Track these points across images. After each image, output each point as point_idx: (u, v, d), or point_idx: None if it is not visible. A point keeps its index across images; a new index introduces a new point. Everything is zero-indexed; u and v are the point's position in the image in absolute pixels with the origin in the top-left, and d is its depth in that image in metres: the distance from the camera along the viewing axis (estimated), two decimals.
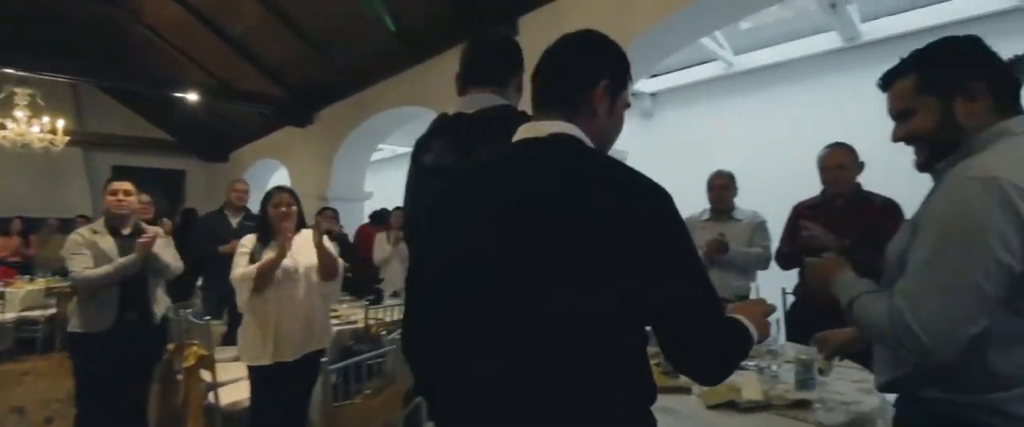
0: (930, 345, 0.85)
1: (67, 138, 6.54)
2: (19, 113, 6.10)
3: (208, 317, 2.68)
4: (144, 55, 7.25)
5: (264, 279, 2.17)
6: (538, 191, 0.78)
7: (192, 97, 6.17)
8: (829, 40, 4.50)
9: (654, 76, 5.74)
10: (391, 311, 3.29)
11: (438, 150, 1.21)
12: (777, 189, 3.21)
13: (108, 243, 2.47)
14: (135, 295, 2.51)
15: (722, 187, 2.91)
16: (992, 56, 0.98)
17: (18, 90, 6.09)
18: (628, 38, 3.41)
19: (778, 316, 2.43)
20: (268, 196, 2.35)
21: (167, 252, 2.66)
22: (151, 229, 2.57)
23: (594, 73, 0.88)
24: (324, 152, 6.60)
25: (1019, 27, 3.71)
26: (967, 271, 0.84)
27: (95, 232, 2.49)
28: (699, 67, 5.36)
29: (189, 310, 2.91)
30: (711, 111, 5.44)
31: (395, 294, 3.91)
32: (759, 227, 2.88)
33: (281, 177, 8.46)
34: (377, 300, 3.76)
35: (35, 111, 6.25)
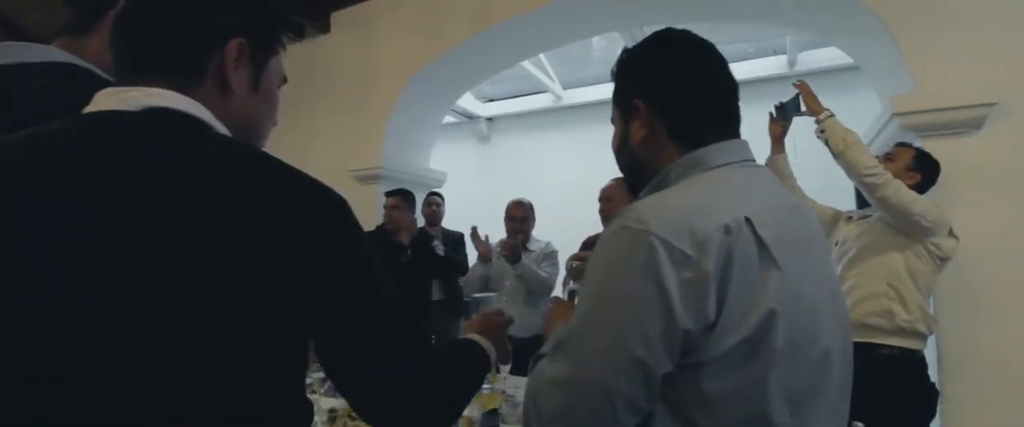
0: None
1: None
2: None
3: None
4: None
5: None
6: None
7: None
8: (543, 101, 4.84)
9: (490, 101, 5.71)
10: None
11: None
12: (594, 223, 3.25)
13: None
14: None
15: (522, 218, 2.90)
16: (646, 65, 0.77)
17: None
18: (435, 54, 3.24)
19: None
20: None
21: None
22: None
23: (223, 29, 0.62)
24: None
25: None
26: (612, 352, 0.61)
27: None
28: (531, 97, 5.43)
29: None
30: (543, 141, 5.53)
31: None
32: (549, 255, 2.92)
33: None
34: None
35: None
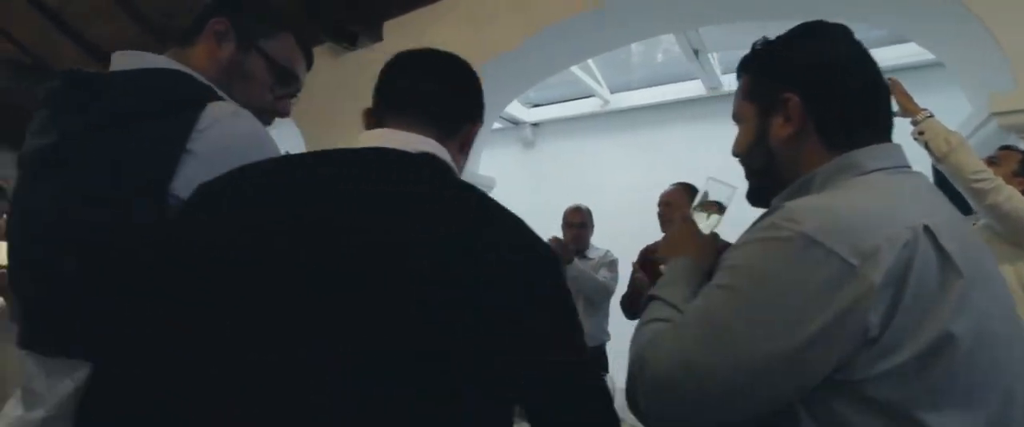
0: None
1: None
2: None
3: None
4: None
5: None
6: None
7: None
8: (694, 88, 4.67)
9: (536, 106, 5.65)
10: None
11: (39, 123, 0.76)
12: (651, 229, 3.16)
13: None
14: None
15: (580, 224, 2.85)
16: (800, 56, 0.70)
17: None
18: (485, 58, 3.21)
19: None
20: None
21: None
22: None
23: (479, 109, 0.80)
24: None
25: None
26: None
27: None
28: (578, 102, 5.35)
29: None
30: (591, 146, 5.44)
31: None
32: (610, 264, 2.84)
33: None
34: None
35: None
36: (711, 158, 4.48)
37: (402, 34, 3.66)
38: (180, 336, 0.54)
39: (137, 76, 0.77)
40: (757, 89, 0.74)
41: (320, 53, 4.31)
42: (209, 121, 0.68)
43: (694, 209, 0.90)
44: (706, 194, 0.91)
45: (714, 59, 4.26)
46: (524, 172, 5.73)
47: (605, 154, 5.30)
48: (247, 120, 0.74)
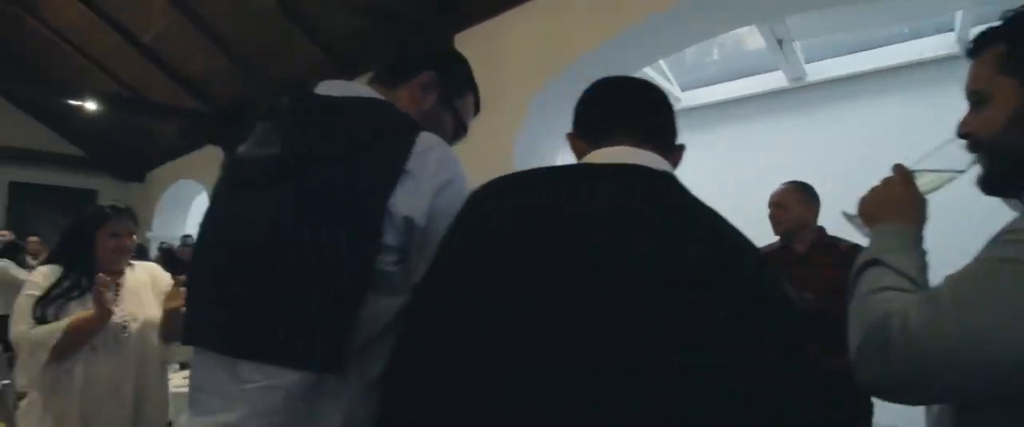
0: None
1: None
2: None
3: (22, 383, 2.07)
4: (41, 54, 6.50)
5: (74, 345, 1.51)
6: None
7: (90, 106, 5.48)
8: (776, 79, 4.42)
9: None
10: None
11: (260, 135, 0.81)
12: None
13: None
14: None
15: None
16: None
17: None
18: (561, 64, 3.16)
19: None
20: (99, 216, 1.68)
21: None
22: None
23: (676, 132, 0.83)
24: None
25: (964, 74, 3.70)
26: None
27: None
28: None
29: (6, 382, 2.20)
30: None
31: None
32: None
33: (203, 201, 7.74)
34: None
35: None
36: (797, 153, 4.27)
37: (472, 48, 3.67)
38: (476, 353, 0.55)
39: (357, 102, 0.83)
40: (1016, 60, 0.64)
41: None
42: (423, 147, 0.74)
43: (920, 169, 0.79)
44: (939, 156, 0.79)
45: (798, 48, 4.02)
46: None
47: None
48: (451, 149, 0.80)
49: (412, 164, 0.72)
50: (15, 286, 3.46)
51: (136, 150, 8.21)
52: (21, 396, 1.74)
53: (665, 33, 3.06)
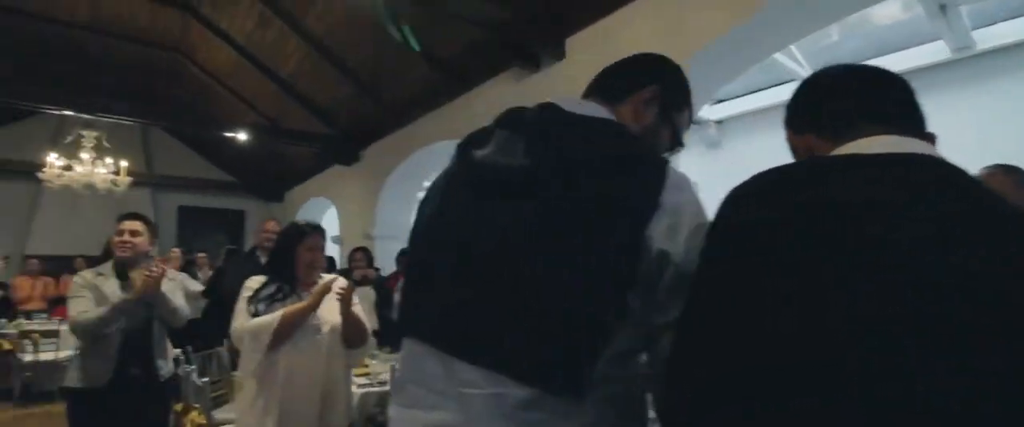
0: None
1: (130, 179, 6.75)
2: (84, 155, 6.34)
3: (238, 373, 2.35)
4: (200, 97, 7.52)
5: (287, 332, 1.76)
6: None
7: (242, 136, 6.22)
8: (935, 51, 3.83)
9: (719, 101, 5.21)
10: None
11: (503, 142, 0.80)
12: None
13: (112, 287, 2.22)
14: (138, 346, 2.22)
15: None
16: None
17: (85, 132, 6.36)
18: (684, 57, 2.98)
19: None
20: (297, 232, 1.97)
21: (177, 295, 2.38)
22: (160, 265, 2.29)
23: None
24: (370, 190, 6.45)
25: None
26: None
27: (100, 274, 2.25)
28: (771, 90, 4.78)
29: (192, 368, 2.57)
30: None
31: None
32: None
33: (331, 216, 8.46)
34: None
35: (101, 153, 6.50)
36: (962, 133, 3.66)
37: (587, 47, 3.61)
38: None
39: (603, 124, 0.82)
40: None
41: (500, 80, 4.51)
42: (675, 182, 0.72)
43: None
44: None
45: (964, 13, 3.45)
46: (708, 176, 5.29)
47: None
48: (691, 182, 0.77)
49: (667, 198, 0.70)
50: (192, 295, 3.97)
51: (276, 174, 9.21)
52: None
53: (795, 14, 2.77)
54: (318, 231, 1.99)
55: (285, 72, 6.01)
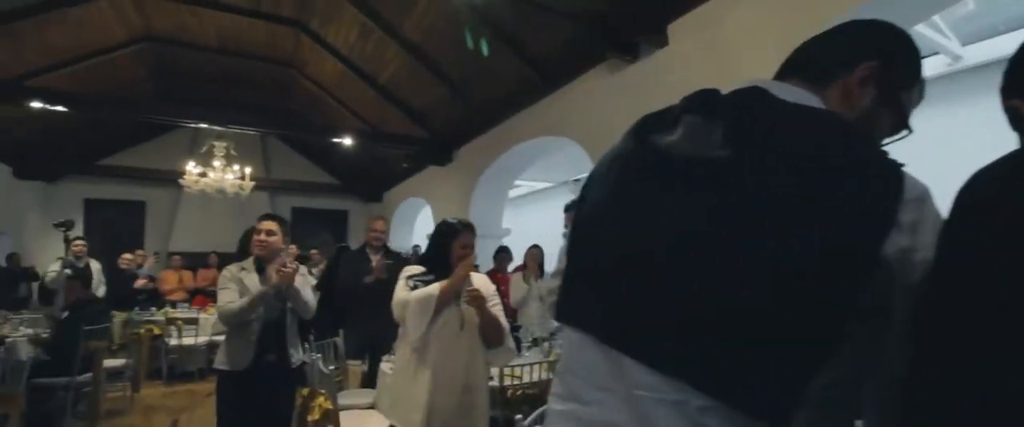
0: None
1: (253, 183, 7.47)
2: (216, 162, 7.12)
3: (357, 361, 2.54)
4: (310, 107, 8.13)
5: (446, 301, 1.92)
6: None
7: (347, 141, 6.63)
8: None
9: None
10: (533, 369, 2.59)
11: (693, 129, 0.69)
12: None
13: (253, 280, 2.49)
14: (274, 335, 2.47)
15: None
16: None
17: (216, 143, 7.13)
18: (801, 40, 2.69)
19: None
20: (451, 230, 2.09)
21: (306, 289, 2.60)
22: (293, 261, 2.53)
23: None
24: (463, 189, 6.62)
25: None
26: None
27: (243, 269, 2.54)
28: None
29: (317, 357, 2.74)
30: (935, 116, 4.21)
31: (535, 341, 3.35)
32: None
33: (426, 215, 8.81)
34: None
35: (229, 161, 7.27)
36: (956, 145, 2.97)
37: (691, 32, 3.41)
38: None
39: (819, 115, 0.70)
40: None
41: (596, 73, 4.41)
42: (914, 195, 0.61)
43: None
44: None
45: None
46: None
47: (954, 124, 4.02)
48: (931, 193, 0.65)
49: (905, 216, 0.59)
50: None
51: (376, 176, 9.76)
52: None
53: None
54: (469, 229, 2.11)
55: (384, 79, 6.32)
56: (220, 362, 2.43)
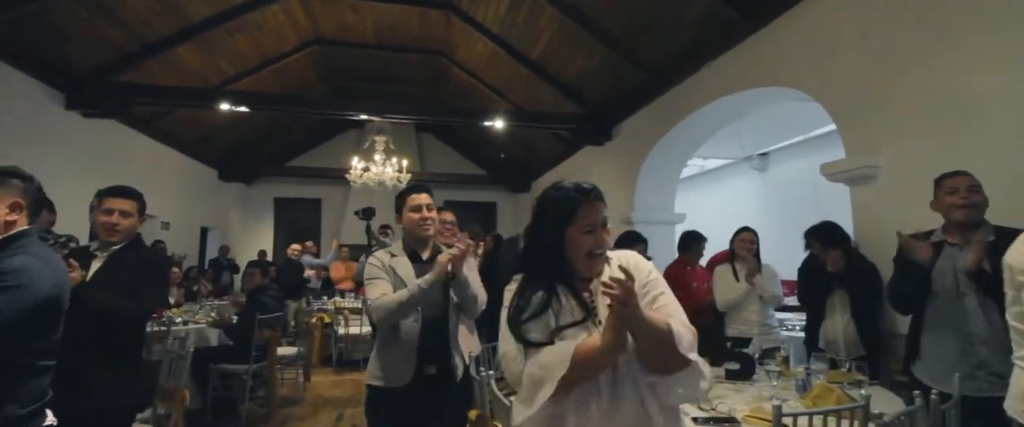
0: None
1: (410, 176, 7.52)
2: (377, 156, 7.27)
3: None
4: (461, 96, 7.96)
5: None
6: None
7: (499, 124, 6.22)
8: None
9: None
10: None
11: None
12: None
13: (405, 268, 1.99)
14: (434, 341, 1.95)
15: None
16: None
17: (377, 138, 7.28)
18: None
19: None
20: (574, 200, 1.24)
21: (475, 276, 2.06)
22: (464, 239, 1.96)
23: None
24: (626, 170, 5.78)
25: None
26: None
27: (393, 255, 2.04)
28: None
29: (491, 372, 1.91)
30: None
31: (785, 363, 2.17)
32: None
33: None
34: (745, 372, 2.18)
35: (388, 155, 7.39)
36: None
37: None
38: None
39: None
40: None
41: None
42: None
43: None
44: None
45: None
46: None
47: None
48: None
49: None
50: None
51: (523, 165, 9.36)
52: None
53: None
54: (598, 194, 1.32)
55: (536, 53, 5.78)
56: (374, 377, 1.95)
